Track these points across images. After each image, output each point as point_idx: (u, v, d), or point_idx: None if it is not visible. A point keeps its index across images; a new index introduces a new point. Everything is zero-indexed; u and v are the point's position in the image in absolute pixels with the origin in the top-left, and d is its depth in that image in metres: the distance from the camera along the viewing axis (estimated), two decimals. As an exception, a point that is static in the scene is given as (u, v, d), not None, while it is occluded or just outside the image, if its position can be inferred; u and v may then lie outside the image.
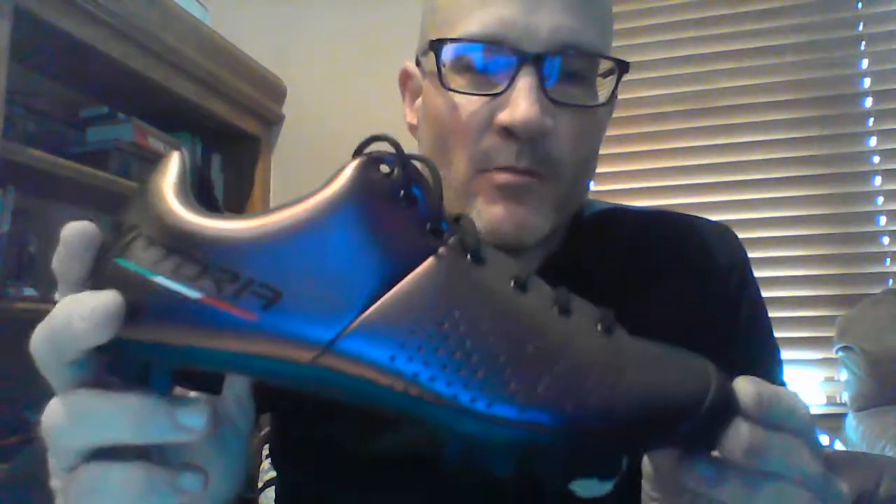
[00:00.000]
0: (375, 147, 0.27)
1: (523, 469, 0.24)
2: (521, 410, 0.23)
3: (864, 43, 1.73)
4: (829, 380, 1.65)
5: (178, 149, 0.27)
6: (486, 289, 0.25)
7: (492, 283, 0.25)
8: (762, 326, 0.55)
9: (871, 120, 1.71)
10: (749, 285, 0.55)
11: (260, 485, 1.22)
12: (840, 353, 1.50)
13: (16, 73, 1.23)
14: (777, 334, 0.55)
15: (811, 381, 1.66)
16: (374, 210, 0.25)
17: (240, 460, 0.34)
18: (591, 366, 0.24)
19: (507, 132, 0.43)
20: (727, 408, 0.26)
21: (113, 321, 0.23)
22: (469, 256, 0.26)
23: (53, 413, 0.25)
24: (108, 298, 0.23)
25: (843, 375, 1.53)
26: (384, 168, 0.26)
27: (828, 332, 1.57)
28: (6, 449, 1.22)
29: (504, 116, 0.43)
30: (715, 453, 0.27)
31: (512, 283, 0.26)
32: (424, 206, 0.26)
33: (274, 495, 0.63)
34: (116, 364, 0.25)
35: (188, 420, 0.25)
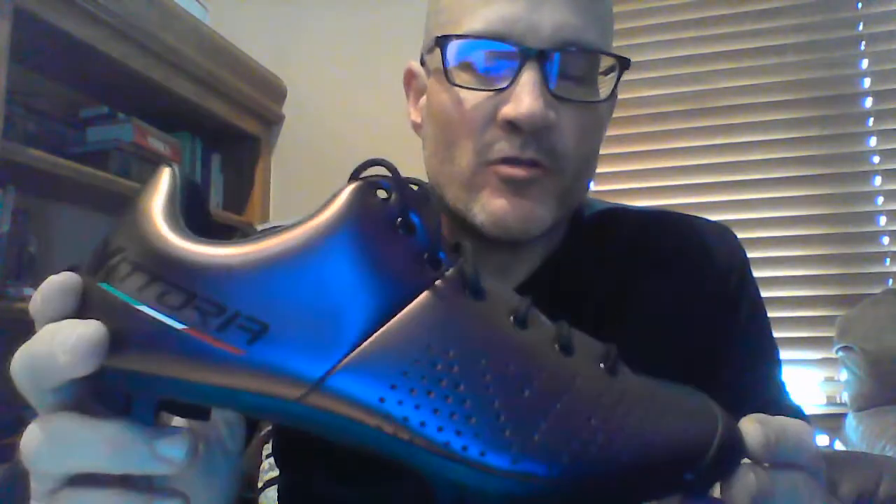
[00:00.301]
0: (373, 171, 0.26)
1: None
2: (516, 460, 0.22)
3: (864, 43, 1.73)
4: (829, 380, 1.65)
5: (168, 164, 0.26)
6: (484, 326, 0.24)
7: (490, 320, 0.24)
8: (761, 326, 0.55)
9: (871, 120, 1.71)
10: (748, 285, 0.55)
11: (260, 485, 1.22)
12: (840, 353, 1.50)
13: (16, 73, 1.23)
14: (777, 334, 0.55)
15: (811, 381, 1.66)
16: (369, 239, 0.23)
17: (230, 480, 0.33)
18: (591, 411, 0.23)
19: (512, 126, 0.44)
20: (733, 453, 0.25)
21: (97, 353, 0.23)
22: (467, 290, 0.24)
23: (32, 438, 0.25)
24: (91, 330, 0.23)
25: (843, 375, 1.53)
26: (381, 193, 0.25)
27: (828, 332, 1.57)
28: (6, 449, 1.22)
29: (508, 110, 0.44)
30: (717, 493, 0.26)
31: (511, 319, 0.25)
32: (422, 234, 0.24)
33: (276, 495, 0.63)
34: (99, 391, 0.24)
35: (168, 452, 0.24)
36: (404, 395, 0.22)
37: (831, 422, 1.55)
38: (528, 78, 0.43)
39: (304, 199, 1.96)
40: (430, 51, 0.50)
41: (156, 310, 0.22)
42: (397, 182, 0.25)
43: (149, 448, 0.24)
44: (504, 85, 0.45)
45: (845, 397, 1.54)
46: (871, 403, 1.43)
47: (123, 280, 0.23)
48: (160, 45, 1.54)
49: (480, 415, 0.22)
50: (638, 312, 0.51)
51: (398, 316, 0.23)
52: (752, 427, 0.26)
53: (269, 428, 1.21)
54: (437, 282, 0.24)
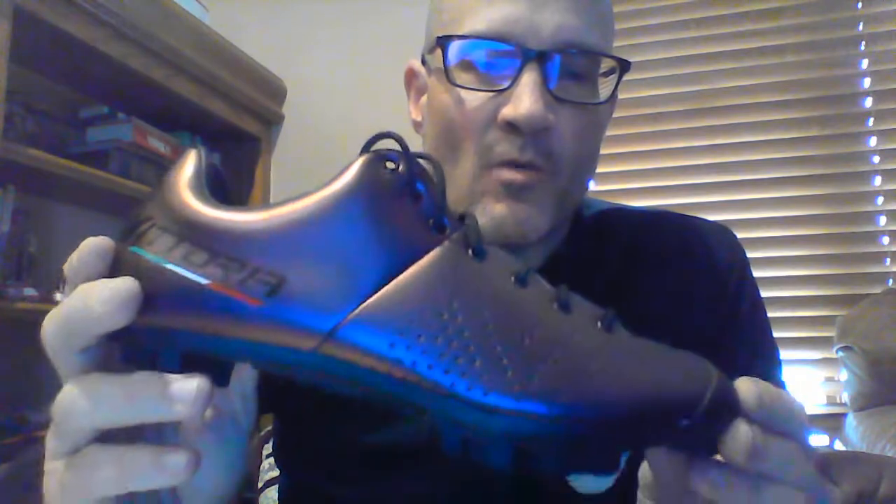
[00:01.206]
0: (382, 145, 0.28)
1: (521, 462, 0.24)
2: (517, 399, 0.23)
3: (864, 43, 1.73)
4: (829, 380, 1.65)
5: (194, 148, 0.28)
6: (486, 282, 0.25)
7: (492, 277, 0.26)
8: (761, 326, 0.56)
9: (871, 120, 1.71)
10: (748, 285, 0.55)
11: (260, 485, 1.22)
12: (840, 353, 1.50)
13: (16, 73, 1.23)
14: (777, 334, 0.55)
15: (811, 381, 1.66)
16: (378, 204, 0.25)
17: (240, 456, 0.34)
18: (588, 359, 0.24)
19: (511, 127, 0.44)
20: (728, 406, 0.25)
21: (131, 306, 0.24)
22: (470, 252, 0.26)
23: (69, 396, 0.26)
24: (126, 284, 0.24)
25: (843, 375, 1.53)
26: (390, 165, 0.27)
27: (828, 332, 1.57)
28: (6, 449, 1.22)
29: (508, 111, 0.44)
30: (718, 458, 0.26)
31: (512, 279, 0.26)
32: (428, 202, 0.26)
33: (276, 495, 0.63)
34: (126, 350, 0.26)
35: (180, 393, 0.25)
36: (412, 341, 0.23)
37: (831, 422, 1.55)
38: (529, 79, 0.43)
39: (304, 199, 1.96)
40: (432, 50, 0.50)
41: (182, 268, 0.24)
42: (405, 154, 0.27)
43: (162, 389, 0.25)
44: (505, 86, 0.45)
45: (845, 397, 1.54)
46: (871, 403, 1.43)
47: (152, 243, 0.25)
48: (160, 45, 1.54)
49: (484, 358, 0.23)
50: (637, 312, 0.51)
51: (405, 273, 0.25)
52: (747, 384, 0.27)
53: (269, 428, 1.21)
54: (443, 243, 0.26)
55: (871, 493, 0.83)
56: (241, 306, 0.24)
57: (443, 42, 0.46)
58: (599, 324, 0.26)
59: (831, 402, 1.64)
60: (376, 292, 0.24)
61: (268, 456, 1.25)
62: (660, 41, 1.85)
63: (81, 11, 1.33)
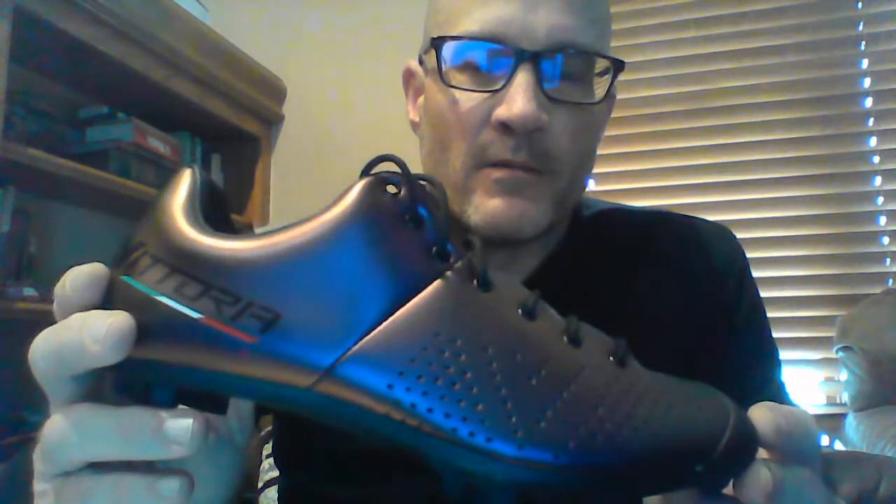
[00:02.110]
0: (382, 167, 0.27)
1: None
2: (522, 447, 0.22)
3: (864, 43, 1.73)
4: (829, 380, 1.65)
5: (190, 166, 0.27)
6: (492, 316, 0.24)
7: (498, 310, 0.25)
8: (761, 326, 0.55)
9: (871, 120, 1.71)
10: (748, 285, 0.55)
11: (260, 485, 1.22)
12: (840, 353, 1.50)
13: (16, 73, 1.23)
14: (777, 334, 0.55)
15: (811, 381, 1.66)
16: (379, 231, 0.24)
17: (234, 473, 0.34)
18: (600, 399, 0.23)
19: (505, 127, 0.44)
20: (746, 447, 0.24)
21: (126, 342, 0.23)
22: (475, 282, 0.25)
23: (55, 427, 0.25)
24: (121, 321, 0.23)
25: (843, 375, 1.53)
26: (391, 189, 0.25)
27: (828, 332, 1.57)
28: (6, 449, 1.22)
29: (501, 111, 0.44)
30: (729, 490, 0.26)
31: (519, 311, 0.25)
32: (431, 228, 0.25)
33: (276, 495, 0.63)
34: (119, 381, 0.25)
35: (175, 432, 0.24)
36: (412, 381, 0.22)
37: (831, 422, 1.55)
38: (522, 79, 0.43)
39: (304, 199, 1.96)
40: (427, 51, 0.50)
41: (174, 300, 0.23)
42: (407, 178, 0.25)
43: (157, 428, 0.24)
44: (499, 86, 0.45)
45: (845, 397, 1.54)
46: (871, 403, 1.43)
47: (143, 273, 0.24)
48: (160, 45, 1.54)
49: (487, 402, 0.22)
50: (637, 312, 0.51)
51: (407, 306, 0.24)
52: (763, 413, 0.26)
53: (270, 428, 1.21)
54: (447, 273, 0.25)
55: (871, 494, 0.83)
56: (235, 342, 0.23)
57: (437, 43, 0.46)
58: (612, 357, 0.25)
59: (831, 402, 1.64)
60: (376, 328, 0.23)
61: (268, 456, 1.24)
62: (660, 41, 1.85)
63: (81, 11, 1.33)
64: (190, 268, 0.24)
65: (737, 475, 0.25)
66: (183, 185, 0.26)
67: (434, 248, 0.25)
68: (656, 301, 0.52)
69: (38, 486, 0.27)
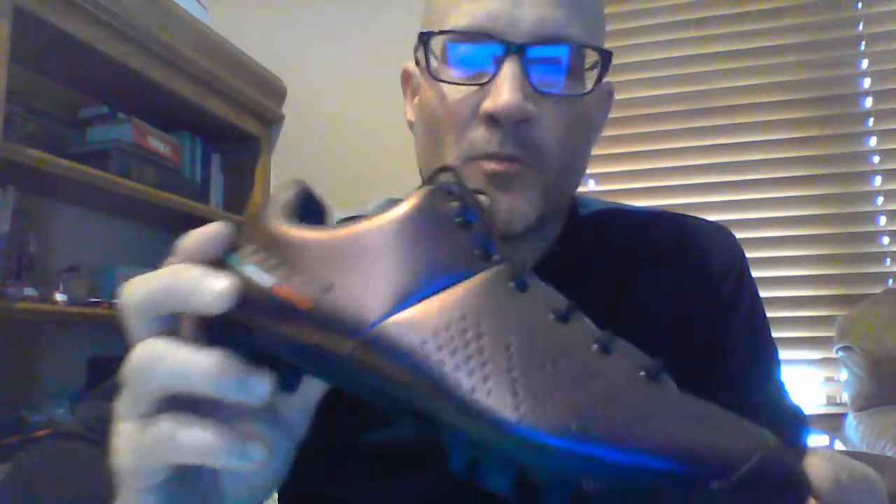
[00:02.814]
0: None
1: (523, 494, 0.23)
2: (519, 422, 0.23)
3: (864, 43, 1.74)
4: (829, 380, 1.65)
5: (296, 180, 0.33)
6: (521, 311, 0.26)
7: (528, 308, 0.26)
8: (760, 326, 0.55)
9: (871, 120, 1.72)
10: (746, 285, 0.55)
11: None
12: (840, 353, 1.50)
13: (16, 73, 1.23)
14: (777, 334, 0.55)
15: (811, 381, 1.66)
16: (430, 228, 0.28)
17: (283, 465, 0.34)
18: (614, 398, 0.23)
19: (492, 119, 0.45)
20: (784, 483, 0.23)
21: (231, 301, 0.27)
22: (512, 283, 0.27)
23: (138, 355, 0.28)
24: (231, 283, 0.27)
25: (843, 375, 1.53)
26: (448, 197, 0.29)
27: (828, 332, 1.57)
28: (6, 449, 1.22)
29: (487, 104, 0.44)
30: None
31: (552, 315, 0.26)
32: (478, 231, 0.28)
33: (276, 494, 0.63)
34: (197, 336, 0.29)
35: (257, 385, 0.27)
36: (432, 351, 0.25)
37: (831, 422, 1.55)
38: (508, 71, 0.44)
39: (304, 199, 1.96)
40: (418, 48, 0.50)
41: (255, 269, 0.28)
42: (461, 188, 0.29)
43: (241, 370, 0.27)
44: (486, 79, 0.45)
45: (845, 397, 1.54)
46: (871, 403, 1.43)
47: (238, 249, 0.29)
48: (160, 45, 1.54)
49: (497, 377, 0.24)
50: (634, 312, 0.51)
51: (443, 292, 0.26)
52: (821, 462, 0.24)
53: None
54: (485, 270, 0.27)
55: None
56: (294, 307, 0.27)
57: (425, 38, 0.47)
58: (643, 372, 0.25)
59: (831, 402, 1.64)
60: (409, 307, 0.26)
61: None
62: (660, 41, 1.85)
63: (81, 11, 1.33)
64: (271, 248, 0.28)
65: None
66: (285, 192, 0.31)
67: (478, 249, 0.28)
68: (654, 301, 0.52)
69: (118, 427, 0.29)
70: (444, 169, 0.31)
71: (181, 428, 0.27)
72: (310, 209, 0.32)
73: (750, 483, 0.22)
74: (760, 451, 0.22)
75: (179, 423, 0.27)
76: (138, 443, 0.28)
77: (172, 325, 0.29)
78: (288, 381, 0.29)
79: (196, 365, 0.27)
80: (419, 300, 0.26)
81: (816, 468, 0.24)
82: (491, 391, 0.23)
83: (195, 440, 0.27)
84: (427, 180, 0.31)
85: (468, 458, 0.24)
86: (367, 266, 0.27)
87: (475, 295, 0.26)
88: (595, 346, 0.25)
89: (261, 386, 0.27)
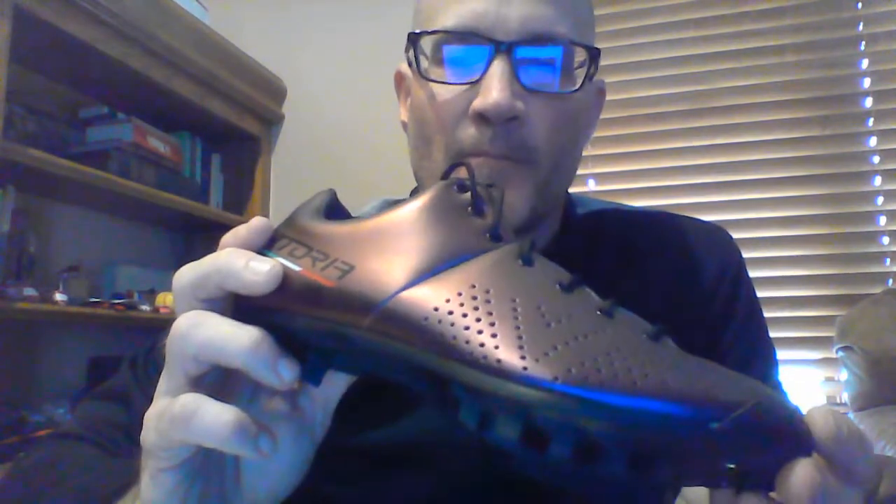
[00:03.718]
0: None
1: (530, 442, 0.24)
2: (525, 368, 0.24)
3: (864, 43, 1.73)
4: (829, 380, 1.65)
5: (327, 191, 0.36)
6: (526, 281, 0.28)
7: (534, 279, 0.28)
8: (758, 326, 0.55)
9: (871, 120, 1.71)
10: (743, 285, 0.55)
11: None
12: (840, 353, 1.50)
13: (16, 73, 1.23)
14: (777, 334, 0.55)
15: (811, 381, 1.66)
16: (444, 216, 0.31)
17: (303, 465, 0.35)
18: (616, 349, 0.24)
19: (481, 118, 0.45)
20: (784, 428, 0.23)
21: (275, 283, 0.29)
22: (519, 260, 0.29)
23: (181, 322, 0.29)
24: (275, 264, 0.30)
25: (843, 375, 1.53)
26: (461, 190, 0.32)
27: (828, 332, 1.57)
28: (6, 449, 1.22)
29: (477, 102, 0.45)
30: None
31: (557, 286, 0.28)
32: (488, 219, 0.31)
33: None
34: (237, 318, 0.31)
35: (284, 369, 0.28)
36: (444, 315, 0.27)
37: (831, 422, 1.54)
38: (497, 70, 0.44)
39: (303, 198, 1.95)
40: (408, 48, 0.50)
41: (287, 260, 0.31)
42: (472, 181, 0.32)
43: (274, 350, 0.29)
44: (475, 79, 0.45)
45: (845, 397, 1.54)
46: (871, 403, 1.43)
47: (273, 244, 0.32)
48: (160, 45, 1.54)
49: (504, 332, 0.26)
50: (631, 311, 0.51)
51: (454, 269, 0.29)
52: (823, 415, 0.24)
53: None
54: (495, 251, 0.29)
55: (870, 493, 0.83)
56: (319, 286, 0.29)
57: (414, 38, 0.48)
58: (645, 335, 0.26)
59: (831, 402, 1.64)
60: (423, 281, 0.28)
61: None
62: (660, 41, 1.85)
63: (81, 11, 1.33)
64: (300, 239, 0.32)
65: (775, 464, 0.23)
66: (314, 197, 0.35)
67: (488, 233, 0.30)
68: (650, 301, 0.52)
69: (152, 407, 0.30)
70: (459, 164, 0.34)
71: (201, 406, 0.28)
72: (337, 213, 0.35)
73: (749, 425, 0.22)
74: (759, 397, 0.23)
75: (201, 401, 0.28)
76: (160, 419, 0.29)
77: (219, 307, 0.30)
78: (313, 374, 0.31)
79: (234, 336, 0.28)
80: (432, 276, 0.28)
81: (817, 420, 0.24)
82: (498, 346, 0.25)
83: (212, 420, 0.28)
84: (444, 174, 0.34)
85: (479, 411, 0.25)
86: (385, 250, 0.30)
87: (484, 268, 0.28)
88: (598, 312, 0.27)
89: (288, 371, 0.28)
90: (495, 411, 0.25)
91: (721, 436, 0.22)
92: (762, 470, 0.24)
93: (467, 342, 0.25)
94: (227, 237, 0.32)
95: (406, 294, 0.28)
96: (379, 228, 0.31)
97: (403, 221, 0.30)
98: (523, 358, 0.24)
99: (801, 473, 0.23)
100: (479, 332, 0.26)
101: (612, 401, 0.23)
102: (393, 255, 0.29)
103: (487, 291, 0.27)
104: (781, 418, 0.23)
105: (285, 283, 0.30)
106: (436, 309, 0.27)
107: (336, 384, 0.34)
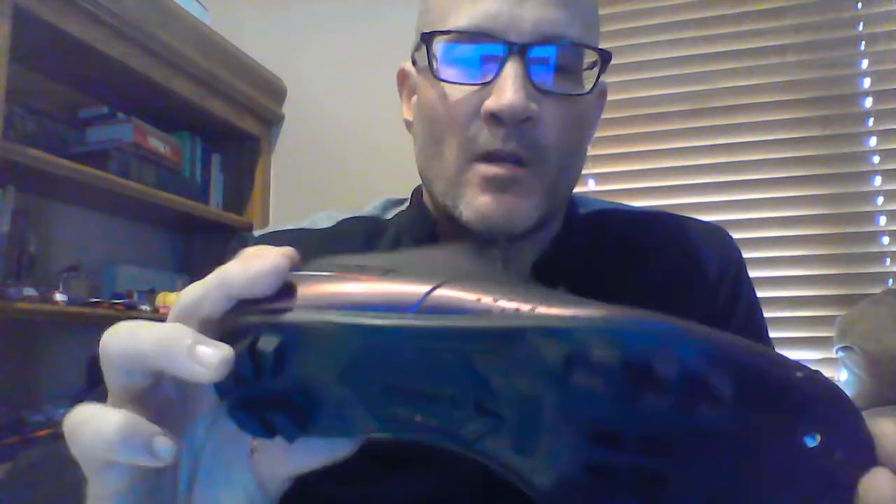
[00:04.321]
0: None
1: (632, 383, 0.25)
2: (574, 316, 0.26)
3: (864, 43, 1.73)
4: (829, 380, 1.65)
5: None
6: None
7: None
8: (758, 326, 0.56)
9: (871, 120, 1.71)
10: (743, 285, 0.55)
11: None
12: (840, 353, 1.50)
13: (16, 73, 1.23)
14: (777, 334, 0.55)
15: (811, 381, 1.66)
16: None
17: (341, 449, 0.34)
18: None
19: (494, 118, 0.45)
20: (847, 406, 0.23)
21: (280, 280, 0.28)
22: None
23: (113, 329, 0.27)
24: (282, 253, 0.28)
25: (843, 375, 1.53)
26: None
27: (828, 332, 1.57)
28: (5, 449, 1.22)
29: (490, 103, 0.45)
30: None
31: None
32: None
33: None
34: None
35: (205, 352, 0.25)
36: (482, 295, 0.28)
37: (831, 422, 1.54)
38: (510, 71, 0.44)
39: (303, 199, 1.96)
40: (419, 48, 0.51)
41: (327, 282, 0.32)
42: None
43: (194, 342, 0.26)
44: (488, 79, 0.46)
45: (845, 397, 1.54)
46: (871, 403, 1.43)
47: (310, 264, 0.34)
48: (160, 45, 1.54)
49: (543, 301, 0.27)
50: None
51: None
52: (889, 424, 0.23)
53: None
54: None
55: None
56: (366, 283, 0.31)
57: (427, 38, 0.48)
58: None
59: (831, 402, 1.64)
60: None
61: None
62: (660, 41, 1.85)
63: (81, 11, 1.33)
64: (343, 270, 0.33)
65: (844, 443, 0.23)
66: None
67: None
68: (651, 301, 0.52)
69: None
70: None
71: (91, 414, 0.26)
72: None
73: (821, 383, 0.23)
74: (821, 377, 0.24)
75: (91, 409, 0.26)
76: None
77: (153, 380, 0.27)
78: (290, 430, 0.30)
79: (149, 334, 0.26)
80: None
81: (884, 429, 0.23)
82: (537, 308, 0.26)
83: (96, 426, 0.26)
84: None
85: (567, 349, 0.25)
86: (421, 264, 0.32)
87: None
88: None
89: (213, 361, 0.25)
90: (591, 339, 0.25)
91: (802, 382, 0.23)
92: (842, 486, 0.23)
93: (510, 308, 0.27)
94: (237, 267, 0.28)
95: (450, 284, 0.30)
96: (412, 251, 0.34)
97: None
98: (569, 312, 0.26)
99: (878, 472, 0.22)
100: (520, 302, 0.27)
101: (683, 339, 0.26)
102: (431, 262, 0.32)
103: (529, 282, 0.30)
104: (854, 414, 0.23)
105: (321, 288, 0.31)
106: (477, 298, 0.28)
107: (310, 454, 0.33)
